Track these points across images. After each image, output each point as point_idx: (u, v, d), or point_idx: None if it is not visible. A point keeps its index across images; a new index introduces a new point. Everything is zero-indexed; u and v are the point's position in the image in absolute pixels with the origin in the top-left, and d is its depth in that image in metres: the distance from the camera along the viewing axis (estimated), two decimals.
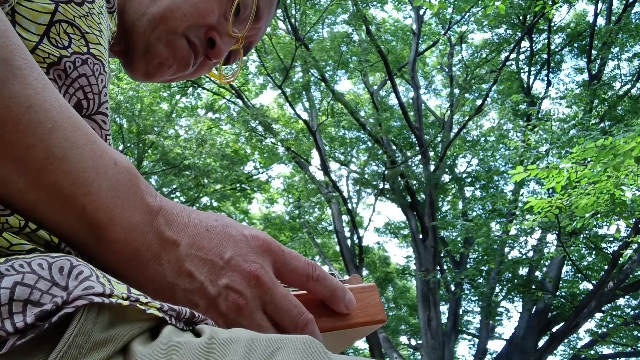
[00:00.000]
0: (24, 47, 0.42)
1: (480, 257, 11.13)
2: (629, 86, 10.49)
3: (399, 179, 10.82)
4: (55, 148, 0.41)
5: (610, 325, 10.05)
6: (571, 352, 11.84)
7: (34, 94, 0.41)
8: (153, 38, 0.69)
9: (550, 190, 6.32)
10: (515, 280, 10.36)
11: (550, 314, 9.83)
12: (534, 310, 9.92)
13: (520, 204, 9.76)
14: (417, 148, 11.16)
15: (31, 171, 0.40)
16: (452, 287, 10.82)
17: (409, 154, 12.22)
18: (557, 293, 10.05)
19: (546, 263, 10.10)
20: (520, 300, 10.70)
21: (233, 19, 0.74)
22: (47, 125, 0.41)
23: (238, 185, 13.18)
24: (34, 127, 0.40)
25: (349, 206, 11.43)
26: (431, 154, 11.44)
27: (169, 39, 0.70)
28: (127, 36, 0.70)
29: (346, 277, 0.64)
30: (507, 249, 10.65)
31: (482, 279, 10.60)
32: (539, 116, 9.14)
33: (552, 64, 11.49)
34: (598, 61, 9.98)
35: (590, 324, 10.65)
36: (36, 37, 0.49)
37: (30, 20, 0.49)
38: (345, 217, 11.74)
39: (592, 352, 9.48)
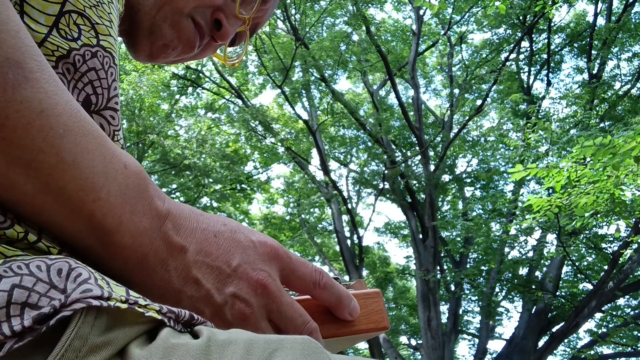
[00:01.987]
0: (36, 47, 0.41)
1: (480, 257, 11.13)
2: (628, 86, 10.49)
3: (399, 179, 10.81)
4: (65, 153, 0.40)
5: (610, 325, 10.05)
6: (571, 352, 11.84)
7: (45, 97, 0.40)
8: (158, 18, 0.67)
9: (550, 189, 6.32)
10: (515, 280, 10.35)
11: (550, 314, 9.83)
12: (534, 310, 9.92)
13: (520, 204, 9.76)
14: (417, 148, 11.15)
15: (40, 176, 0.39)
16: (452, 287, 10.82)
17: (409, 154, 12.22)
18: (557, 293, 10.05)
19: (546, 263, 10.10)
20: (520, 300, 10.70)
21: (240, 0, 0.72)
22: (58, 131, 0.40)
23: (238, 185, 13.18)
24: (45, 132, 0.39)
25: (349, 206, 11.43)
26: (431, 154, 11.44)
27: (175, 20, 0.68)
28: (132, 16, 0.67)
29: (346, 278, 0.64)
30: (507, 249, 10.64)
31: (482, 279, 10.60)
32: (539, 116, 9.14)
33: (552, 64, 11.49)
34: (598, 61, 9.97)
35: (590, 324, 10.66)
36: (45, 29, 0.47)
37: (39, 11, 0.47)
38: (345, 217, 11.74)
39: (592, 352, 9.48)
